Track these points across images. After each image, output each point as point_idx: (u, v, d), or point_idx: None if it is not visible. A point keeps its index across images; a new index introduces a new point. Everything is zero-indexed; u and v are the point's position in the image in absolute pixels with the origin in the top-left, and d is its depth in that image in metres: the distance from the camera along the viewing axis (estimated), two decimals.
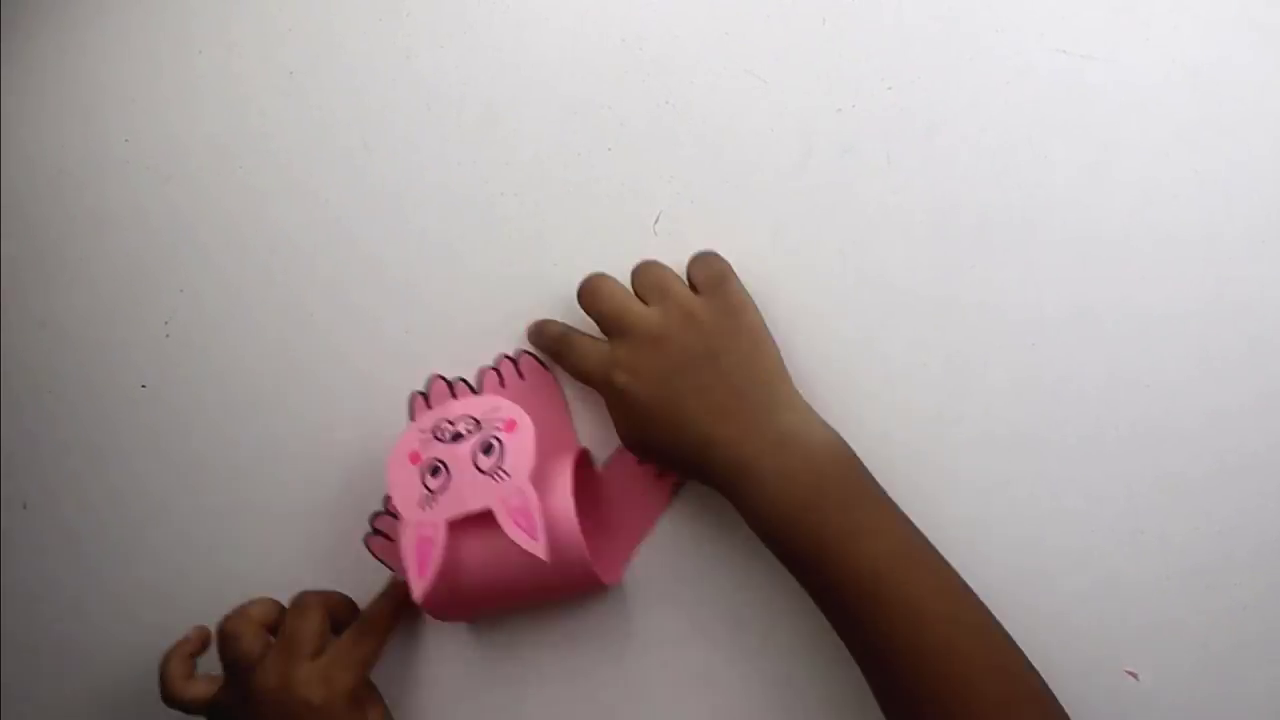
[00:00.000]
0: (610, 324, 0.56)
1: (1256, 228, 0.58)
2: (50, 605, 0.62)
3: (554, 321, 0.59)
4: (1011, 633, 0.59)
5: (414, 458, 0.55)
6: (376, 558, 0.59)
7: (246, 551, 0.62)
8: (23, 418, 0.62)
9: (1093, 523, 0.59)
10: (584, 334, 0.58)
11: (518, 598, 0.56)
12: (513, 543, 0.52)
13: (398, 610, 0.59)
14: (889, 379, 0.59)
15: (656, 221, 0.60)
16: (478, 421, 0.55)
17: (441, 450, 0.55)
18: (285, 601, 0.58)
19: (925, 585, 0.52)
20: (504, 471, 0.54)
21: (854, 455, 0.55)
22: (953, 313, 0.59)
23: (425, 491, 0.54)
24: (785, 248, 0.59)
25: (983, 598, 0.59)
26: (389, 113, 0.60)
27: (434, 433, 0.56)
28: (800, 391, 0.58)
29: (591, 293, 0.57)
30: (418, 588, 0.53)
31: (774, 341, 0.57)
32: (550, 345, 0.59)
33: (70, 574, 0.62)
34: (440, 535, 0.53)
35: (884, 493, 0.54)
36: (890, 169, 0.59)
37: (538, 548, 0.52)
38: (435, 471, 0.55)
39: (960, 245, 0.59)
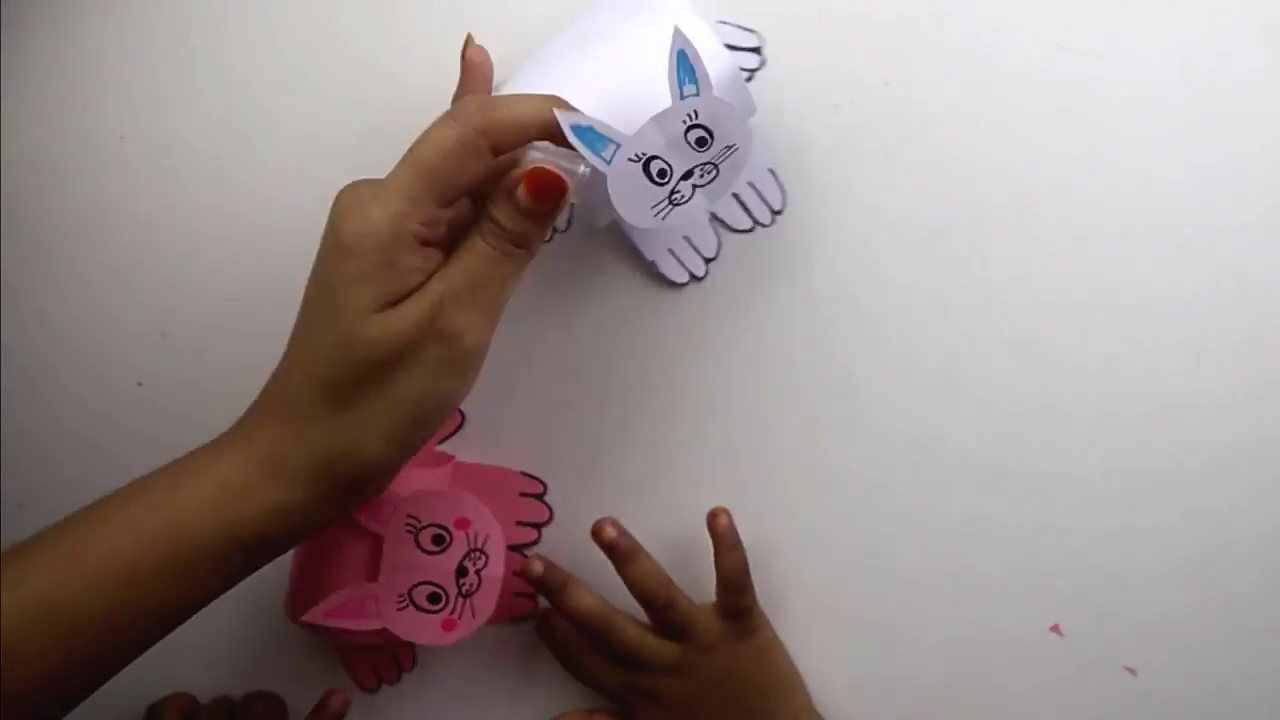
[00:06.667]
0: (628, 659, 0.57)
1: (1253, 222, 0.58)
2: None
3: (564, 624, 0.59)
4: (1008, 631, 0.59)
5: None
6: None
7: None
8: (19, 417, 0.62)
9: (1089, 516, 0.59)
10: (601, 659, 0.59)
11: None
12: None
13: None
14: (886, 376, 0.59)
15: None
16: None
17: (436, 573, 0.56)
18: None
19: None
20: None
21: None
22: (950, 309, 0.59)
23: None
24: (782, 243, 0.59)
25: (979, 593, 0.59)
26: (386, 109, 0.60)
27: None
28: (801, 386, 0.59)
29: (606, 633, 0.57)
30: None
31: (785, 652, 0.59)
32: (563, 655, 0.60)
33: None
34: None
35: None
36: (887, 165, 0.59)
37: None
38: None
39: (957, 241, 0.59)
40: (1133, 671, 0.59)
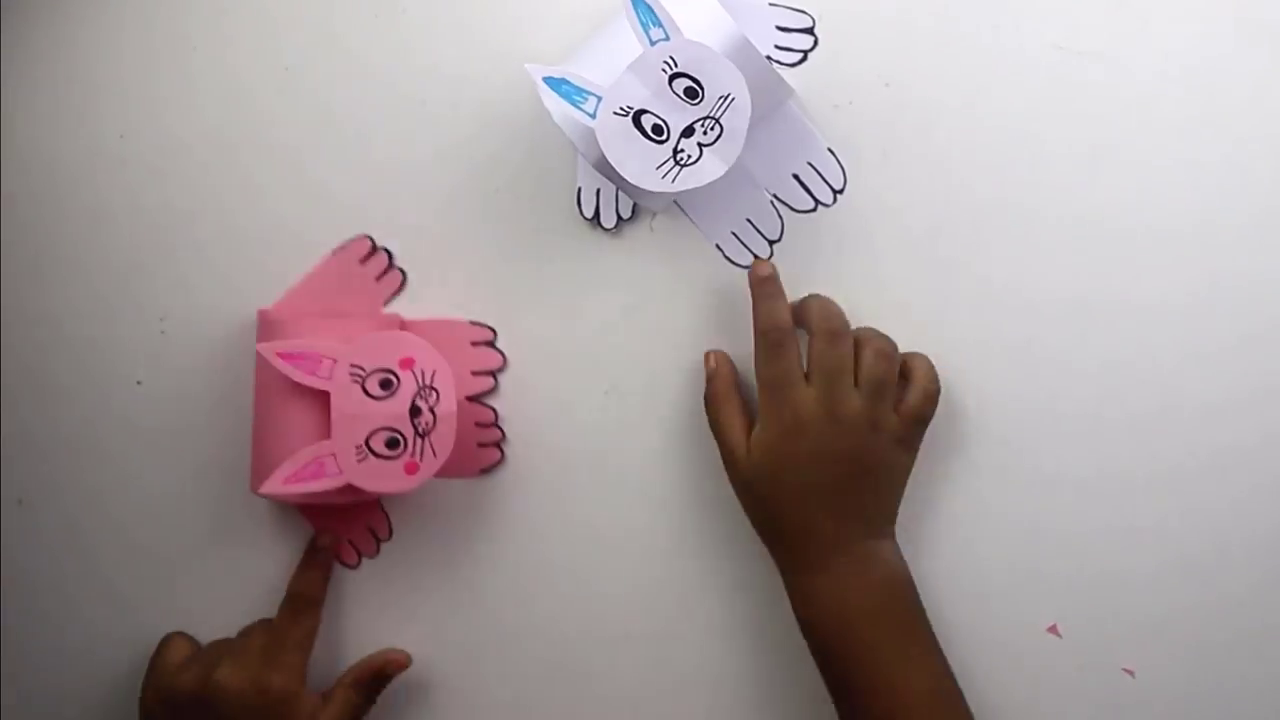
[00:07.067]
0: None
1: (1251, 222, 0.58)
2: (47, 601, 0.62)
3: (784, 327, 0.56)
4: (1007, 631, 0.59)
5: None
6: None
7: (243, 546, 0.62)
8: (18, 414, 0.62)
9: (1087, 517, 0.59)
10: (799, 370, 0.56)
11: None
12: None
13: (326, 578, 0.60)
14: None
15: (653, 218, 0.60)
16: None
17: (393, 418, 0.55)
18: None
19: None
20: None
21: (919, 597, 0.56)
22: (948, 309, 0.59)
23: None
24: (781, 245, 0.59)
25: (978, 593, 0.59)
26: (386, 109, 0.60)
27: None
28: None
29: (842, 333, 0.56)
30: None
31: (905, 476, 0.58)
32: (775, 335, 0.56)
33: (67, 570, 0.62)
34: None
35: (935, 636, 0.56)
36: (887, 165, 0.59)
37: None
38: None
39: (957, 241, 0.59)
40: (1131, 673, 0.59)
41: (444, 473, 0.55)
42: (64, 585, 0.62)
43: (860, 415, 0.55)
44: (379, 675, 0.59)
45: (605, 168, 0.52)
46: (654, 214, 0.59)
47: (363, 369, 0.55)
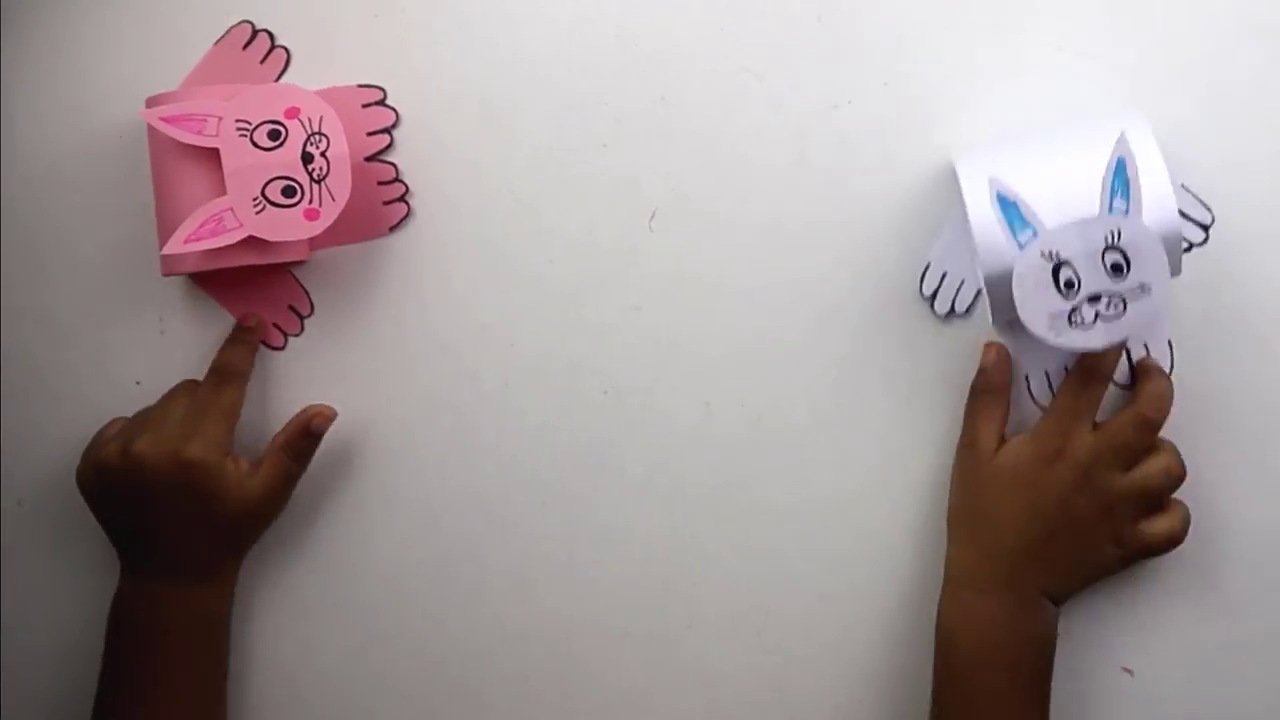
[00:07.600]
0: (1069, 422, 0.56)
1: (1252, 226, 0.58)
2: (47, 601, 0.62)
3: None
4: None
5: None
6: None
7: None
8: (18, 415, 0.62)
9: None
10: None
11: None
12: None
13: (251, 353, 0.61)
14: (888, 378, 0.59)
15: (652, 218, 0.60)
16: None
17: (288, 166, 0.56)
18: None
19: None
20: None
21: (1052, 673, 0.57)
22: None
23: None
24: (781, 246, 0.59)
25: None
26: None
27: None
28: (800, 391, 0.59)
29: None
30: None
31: (1101, 576, 0.57)
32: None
33: (66, 572, 0.62)
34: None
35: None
36: (886, 166, 0.59)
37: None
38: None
39: (955, 240, 0.59)
40: (1130, 672, 0.59)
41: (355, 236, 0.57)
42: (64, 585, 0.62)
43: (1106, 499, 0.55)
44: (307, 432, 0.60)
45: (998, 288, 0.52)
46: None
47: (249, 122, 0.55)
